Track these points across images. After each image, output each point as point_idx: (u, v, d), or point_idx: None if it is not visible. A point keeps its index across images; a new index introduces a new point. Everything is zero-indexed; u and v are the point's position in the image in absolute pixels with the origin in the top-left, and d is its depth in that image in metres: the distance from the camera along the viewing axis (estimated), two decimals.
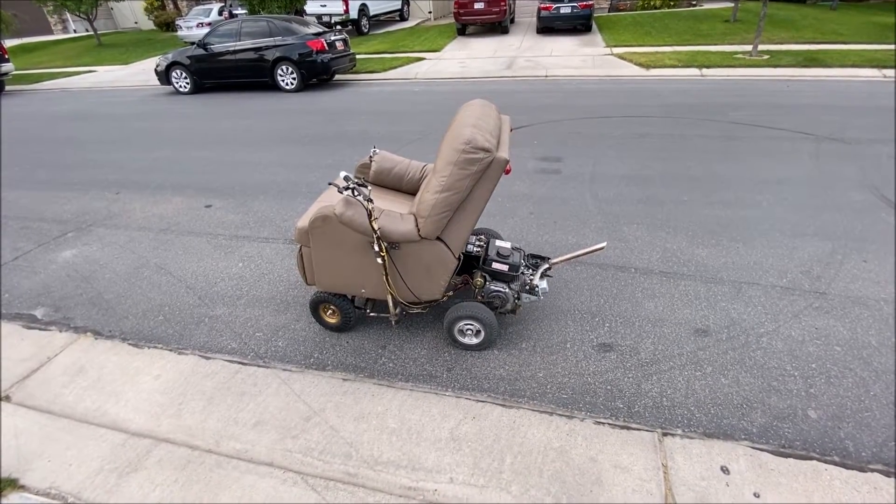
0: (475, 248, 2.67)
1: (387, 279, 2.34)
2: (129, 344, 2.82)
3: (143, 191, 5.05)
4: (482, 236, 2.82)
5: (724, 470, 1.90)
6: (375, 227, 2.16)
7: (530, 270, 2.61)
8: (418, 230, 2.21)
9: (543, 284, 2.54)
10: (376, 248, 2.21)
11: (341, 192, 2.14)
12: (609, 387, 2.33)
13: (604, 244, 2.40)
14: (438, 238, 2.27)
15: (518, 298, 2.57)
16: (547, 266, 2.55)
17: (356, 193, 2.14)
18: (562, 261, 2.55)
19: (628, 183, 4.49)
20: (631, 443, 2.04)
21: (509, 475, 1.95)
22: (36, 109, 9.91)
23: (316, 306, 2.71)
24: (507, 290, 2.53)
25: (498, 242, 2.62)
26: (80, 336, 2.92)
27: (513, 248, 2.58)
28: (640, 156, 5.13)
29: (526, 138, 5.82)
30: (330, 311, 2.72)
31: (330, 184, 2.17)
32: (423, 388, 2.39)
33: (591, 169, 4.84)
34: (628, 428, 2.11)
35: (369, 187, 2.22)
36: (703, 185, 4.36)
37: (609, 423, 2.14)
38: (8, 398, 2.48)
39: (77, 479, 1.98)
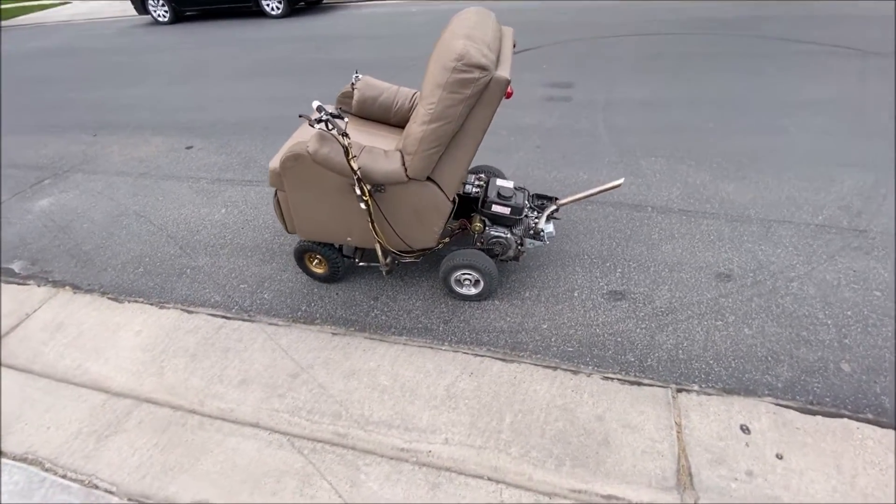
0: (474, 189, 2.38)
1: (373, 226, 2.09)
2: (109, 298, 2.67)
3: (121, 131, 4.72)
4: (482, 175, 2.51)
5: (744, 429, 1.74)
6: (355, 166, 1.87)
7: (535, 213, 2.34)
8: (405, 169, 1.92)
9: (549, 228, 2.27)
10: (358, 192, 1.94)
11: (312, 126, 1.83)
12: (619, 339, 2.14)
13: (620, 181, 2.10)
14: (429, 178, 1.98)
15: (521, 244, 2.32)
16: (553, 207, 2.27)
17: (330, 126, 1.83)
18: (571, 201, 2.26)
19: (646, 109, 4.04)
20: (642, 400, 1.88)
21: (509, 435, 1.81)
22: (10, 47, 9.28)
23: (301, 255, 2.50)
24: (508, 235, 2.27)
25: (499, 182, 2.32)
26: (58, 290, 2.77)
27: (516, 189, 2.29)
28: (659, 78, 4.61)
29: (533, 62, 5.26)
30: (316, 261, 2.51)
31: (300, 116, 1.86)
32: (418, 341, 2.22)
33: (605, 95, 4.37)
34: (639, 384, 1.94)
35: (346, 119, 1.90)
36: (730, 110, 3.91)
37: (618, 379, 1.97)
38: None
39: (55, 444, 1.89)
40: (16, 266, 3.01)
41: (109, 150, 4.36)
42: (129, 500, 1.66)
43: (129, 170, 3.99)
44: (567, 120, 4.02)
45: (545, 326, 2.22)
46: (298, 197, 2.14)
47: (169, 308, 2.56)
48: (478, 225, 2.29)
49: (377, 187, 2.00)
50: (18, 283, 2.85)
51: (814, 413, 1.78)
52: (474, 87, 1.70)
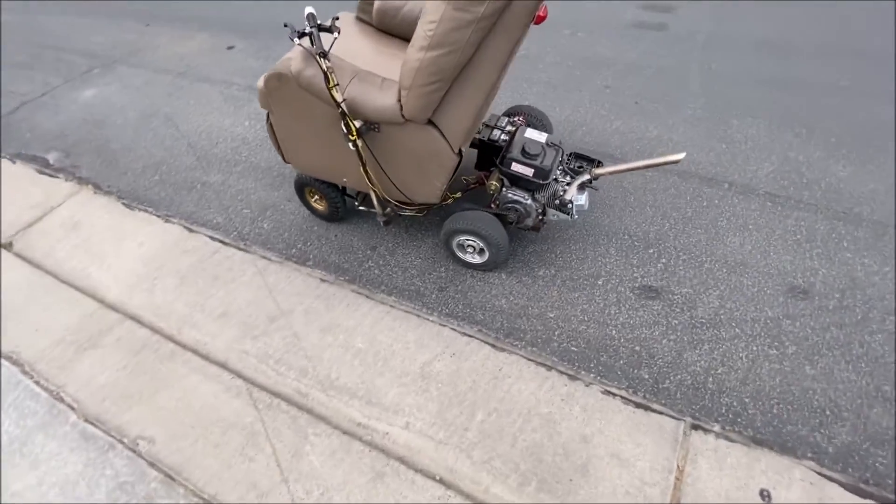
0: (503, 136, 1.97)
1: (364, 171, 1.78)
2: (123, 203, 2.65)
3: (171, 23, 4.55)
4: (518, 119, 2.07)
5: (765, 495, 1.39)
6: (338, 97, 1.53)
7: (568, 177, 1.90)
8: (401, 106, 1.55)
9: (581, 200, 1.84)
10: (344, 129, 1.61)
11: (292, 40, 1.48)
12: (637, 347, 1.77)
13: (680, 156, 1.59)
14: (430, 121, 1.60)
15: (543, 214, 1.92)
16: (587, 177, 1.81)
17: (314, 43, 1.48)
18: (611, 172, 1.79)
19: (761, 53, 3.17)
20: (644, 428, 1.56)
21: (476, 435, 1.59)
22: None
23: (301, 188, 2.27)
24: (529, 201, 1.87)
25: (528, 133, 1.88)
26: (81, 188, 2.80)
27: (547, 145, 1.84)
28: (792, 13, 3.57)
29: None
30: (316, 197, 2.27)
31: (285, 25, 1.51)
32: (406, 306, 1.99)
33: (713, 27, 3.47)
34: (647, 408, 1.60)
35: (336, 33, 1.53)
36: (878, 66, 2.95)
37: (622, 397, 1.64)
38: (10, 245, 2.47)
39: (38, 348, 1.95)
40: (51, 157, 3.08)
41: (157, 43, 4.24)
42: (86, 420, 1.68)
43: (170, 67, 3.85)
44: (654, 55, 3.26)
45: (552, 315, 1.89)
46: (287, 124, 1.86)
47: (173, 223, 2.50)
48: (494, 184, 1.91)
49: (370, 125, 1.66)
50: (50, 175, 2.92)
51: (865, 495, 1.37)
52: (489, 4, 1.24)
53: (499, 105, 2.84)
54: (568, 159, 1.94)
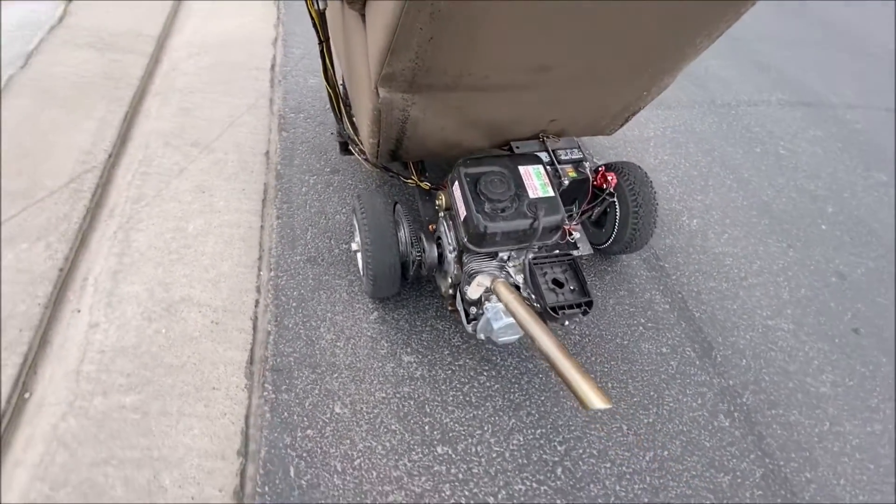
0: (549, 155, 1.24)
1: (321, 51, 1.25)
2: None
3: None
4: (606, 177, 1.27)
5: None
6: None
7: (515, 269, 1.04)
8: None
9: (498, 319, 0.99)
10: None
11: None
12: None
13: None
14: (363, 14, 0.96)
15: (455, 288, 1.13)
16: (487, 289, 0.92)
17: None
18: (526, 331, 0.85)
19: None
20: None
21: None
22: None
23: None
24: (452, 254, 1.11)
25: (526, 169, 1.05)
26: None
27: (529, 205, 1.00)
28: None
29: None
30: None
31: None
32: (259, 233, 1.48)
33: None
34: None
35: None
36: None
37: None
38: None
39: None
40: None
41: None
42: None
43: None
44: None
45: (327, 428, 1.15)
46: None
47: (281, 24, 2.39)
48: (442, 198, 1.17)
49: None
50: None
51: None
52: None
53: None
54: (565, 260, 1.02)
